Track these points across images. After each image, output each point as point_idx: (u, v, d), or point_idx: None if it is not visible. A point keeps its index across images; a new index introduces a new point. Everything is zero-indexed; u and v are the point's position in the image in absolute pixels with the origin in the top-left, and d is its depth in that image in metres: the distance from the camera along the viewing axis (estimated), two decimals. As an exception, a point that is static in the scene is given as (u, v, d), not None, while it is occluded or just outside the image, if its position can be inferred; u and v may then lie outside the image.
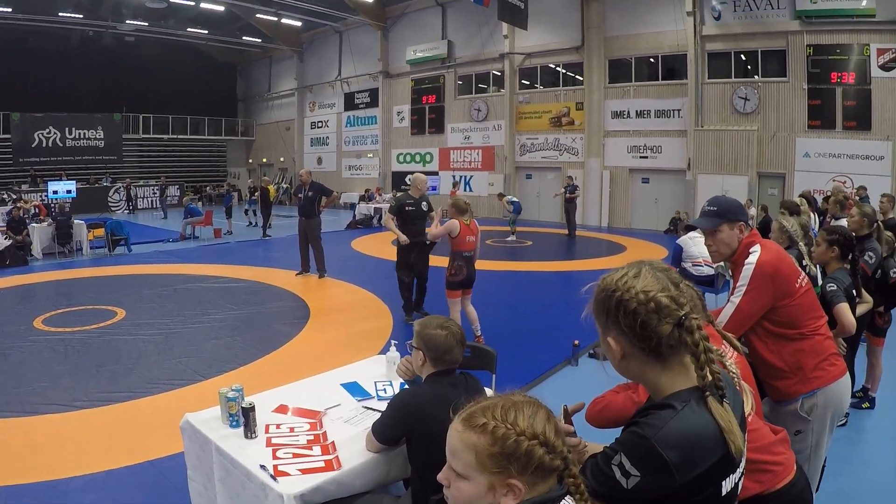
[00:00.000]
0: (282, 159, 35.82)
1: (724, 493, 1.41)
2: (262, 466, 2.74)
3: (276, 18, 28.99)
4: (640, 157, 21.37)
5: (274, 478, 2.66)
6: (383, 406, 2.96)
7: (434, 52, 27.01)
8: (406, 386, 3.08)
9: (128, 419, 5.32)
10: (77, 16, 27.88)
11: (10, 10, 26.01)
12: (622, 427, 1.48)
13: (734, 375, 1.61)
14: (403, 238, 8.03)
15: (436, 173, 27.02)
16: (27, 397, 5.87)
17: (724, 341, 1.87)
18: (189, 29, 30.87)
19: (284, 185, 33.12)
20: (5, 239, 14.14)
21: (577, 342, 6.93)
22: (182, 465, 3.41)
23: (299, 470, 2.74)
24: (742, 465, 1.48)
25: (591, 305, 1.55)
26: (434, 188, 25.88)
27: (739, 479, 1.47)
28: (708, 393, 1.40)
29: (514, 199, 18.36)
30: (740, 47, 19.19)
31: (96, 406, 5.60)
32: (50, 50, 30.60)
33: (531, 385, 6.17)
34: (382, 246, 12.05)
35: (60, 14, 27.26)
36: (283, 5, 27.21)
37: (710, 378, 1.41)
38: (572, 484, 1.28)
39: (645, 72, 21.28)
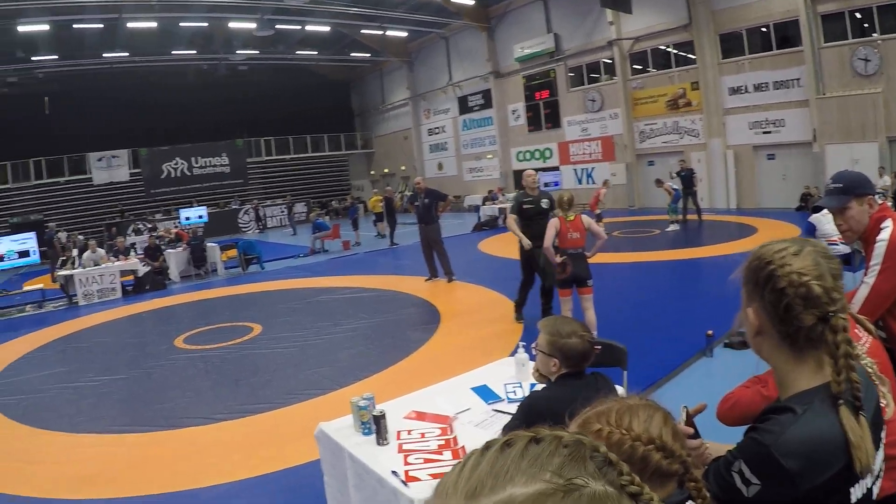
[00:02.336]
0: (403, 168, 36.60)
1: (853, 499, 1.30)
2: (394, 472, 2.79)
3: (381, 32, 29.78)
4: (763, 133, 20.17)
5: (405, 483, 2.69)
6: (513, 409, 2.92)
7: (541, 47, 26.73)
8: (536, 388, 3.02)
9: (266, 429, 5.59)
10: (190, 52, 29.89)
11: (127, 54, 28.41)
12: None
13: (870, 370, 1.46)
14: (526, 242, 7.85)
15: (556, 168, 26.75)
16: (171, 412, 6.32)
17: (857, 325, 1.71)
18: (298, 52, 32.35)
19: (408, 193, 33.78)
20: (144, 266, 15.16)
21: (710, 332, 6.60)
22: (318, 472, 3.55)
23: (430, 475, 2.76)
24: (878, 469, 1.35)
25: (742, 270, 1.46)
26: (556, 183, 25.64)
27: (874, 483, 1.35)
28: (842, 402, 1.27)
29: (676, 185, 17.70)
30: (854, 5, 17.71)
31: (236, 418, 5.92)
32: (169, 86, 33.00)
33: (665, 380, 5.94)
34: (509, 246, 12.00)
35: (174, 52, 29.33)
36: (387, 18, 27.89)
37: (846, 386, 1.28)
38: (693, 489, 1.20)
39: (758, 43, 20.09)
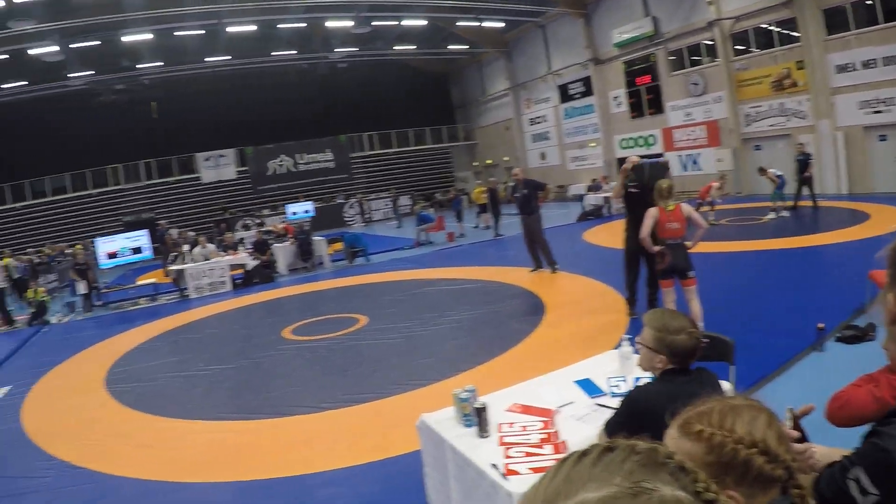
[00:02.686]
0: (506, 158, 36.44)
1: None
2: (494, 465, 2.76)
3: (477, 24, 29.65)
4: (874, 113, 18.83)
5: (505, 476, 2.66)
6: (616, 403, 2.85)
7: (640, 31, 25.93)
8: (640, 382, 2.94)
9: (370, 419, 5.70)
10: (290, 52, 30.86)
11: (229, 57, 29.63)
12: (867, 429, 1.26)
13: None
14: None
15: (660, 155, 25.95)
16: (278, 401, 6.54)
17: None
18: (396, 47, 32.76)
19: (511, 184, 33.55)
20: (252, 260, 15.73)
21: (822, 325, 6.18)
22: (420, 463, 3.57)
23: (530, 469, 2.72)
24: None
25: (888, 251, 1.34)
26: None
27: None
28: None
29: (780, 172, 16.90)
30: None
31: (342, 407, 6.06)
32: (271, 86, 34.31)
33: (772, 376, 5.60)
34: (615, 236, 11.77)
35: (273, 53, 30.30)
36: (482, 9, 27.78)
37: None
38: (797, 496, 1.11)
39: (864, 16, 18.73)
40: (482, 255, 15.33)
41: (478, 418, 3.11)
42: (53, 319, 15.17)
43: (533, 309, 9.21)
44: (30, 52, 25.02)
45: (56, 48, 24.76)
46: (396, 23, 28.25)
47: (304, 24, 27.40)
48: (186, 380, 8.02)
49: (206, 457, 5.49)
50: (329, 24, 27.11)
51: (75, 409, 7.64)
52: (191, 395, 7.37)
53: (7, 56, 25.29)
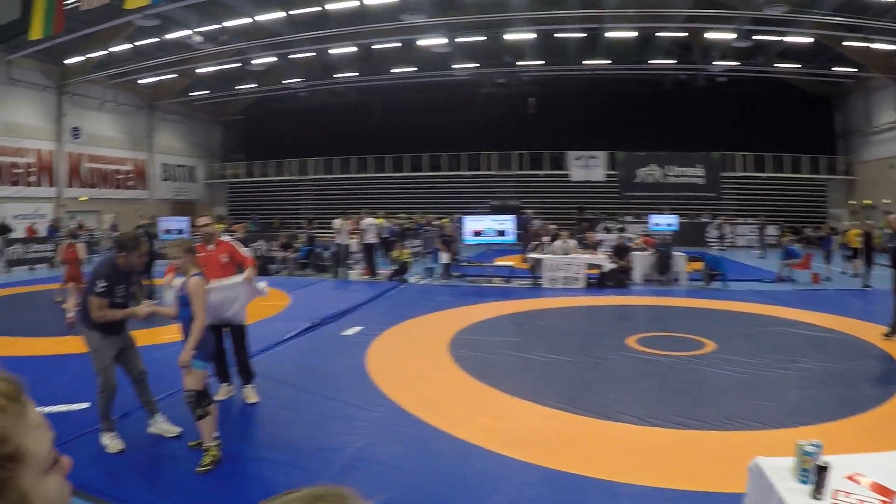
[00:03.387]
0: (886, 201, 31.38)
1: None
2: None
3: (865, 45, 26.12)
4: None
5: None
6: None
7: None
8: None
9: (695, 446, 5.53)
10: (668, 62, 30.31)
11: (607, 62, 30.33)
12: None
13: None
14: None
15: None
16: (608, 404, 6.65)
17: None
18: (777, 64, 30.21)
19: (887, 231, 29.21)
20: (610, 263, 15.97)
21: None
22: (735, 504, 3.41)
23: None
24: None
25: None
26: None
27: None
28: None
29: None
30: None
31: (668, 427, 5.96)
32: (644, 93, 34.31)
33: None
34: None
35: (651, 62, 29.99)
36: (872, 29, 24.38)
37: None
38: None
39: None
40: (845, 305, 13.66)
41: (817, 477, 2.89)
42: (412, 279, 17.22)
43: (889, 375, 8.16)
44: (419, 42, 28.25)
45: (444, 41, 27.51)
46: (779, 38, 26.24)
47: (685, 34, 26.86)
48: (524, 361, 8.54)
49: (523, 435, 5.82)
50: (709, 35, 26.21)
51: (416, 361, 8.65)
52: (525, 376, 7.84)
53: (399, 45, 28.84)
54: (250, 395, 6.99)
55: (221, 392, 7.01)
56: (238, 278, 6.83)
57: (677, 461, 5.20)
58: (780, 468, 3.18)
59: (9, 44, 22.99)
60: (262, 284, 7.11)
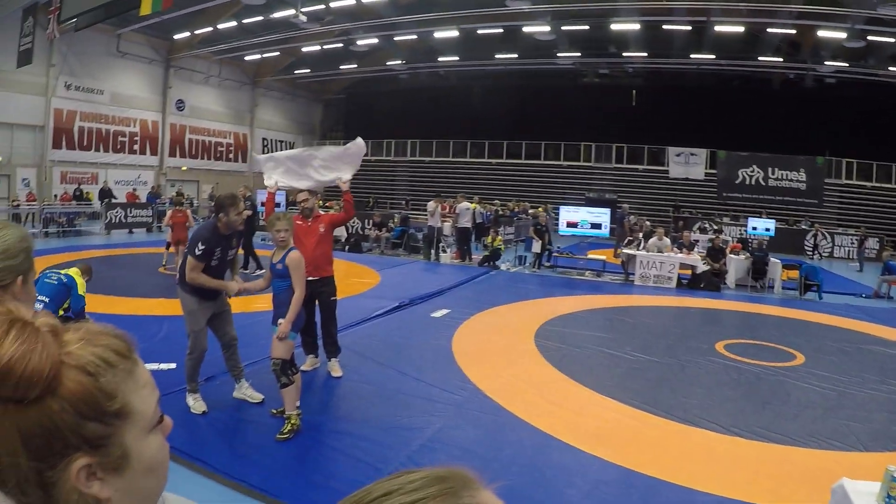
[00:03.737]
0: None
1: None
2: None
3: None
4: None
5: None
6: None
7: None
8: None
9: (775, 461, 5.49)
10: (776, 59, 28.94)
11: (713, 56, 29.08)
12: None
13: None
14: None
15: None
16: (690, 408, 6.66)
17: None
18: (890, 68, 28.45)
19: None
20: (704, 264, 15.73)
21: None
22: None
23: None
24: None
25: None
26: None
27: None
28: None
29: None
30: None
31: (750, 438, 5.92)
32: (753, 91, 32.78)
33: None
34: None
35: (760, 58, 28.80)
36: None
37: None
38: None
39: None
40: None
41: (902, 504, 2.97)
42: (503, 266, 17.38)
43: None
44: (524, 29, 28.04)
45: (547, 28, 27.28)
46: (893, 39, 24.91)
47: (794, 31, 25.82)
48: (610, 357, 8.60)
49: (603, 432, 5.91)
50: (820, 33, 25.00)
51: (501, 348, 8.83)
52: (610, 373, 7.91)
53: (502, 31, 28.74)
54: (335, 368, 7.27)
55: (307, 363, 7.32)
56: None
57: (758, 475, 5.18)
58: (865, 492, 3.19)
59: (119, 18, 24.16)
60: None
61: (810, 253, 27.39)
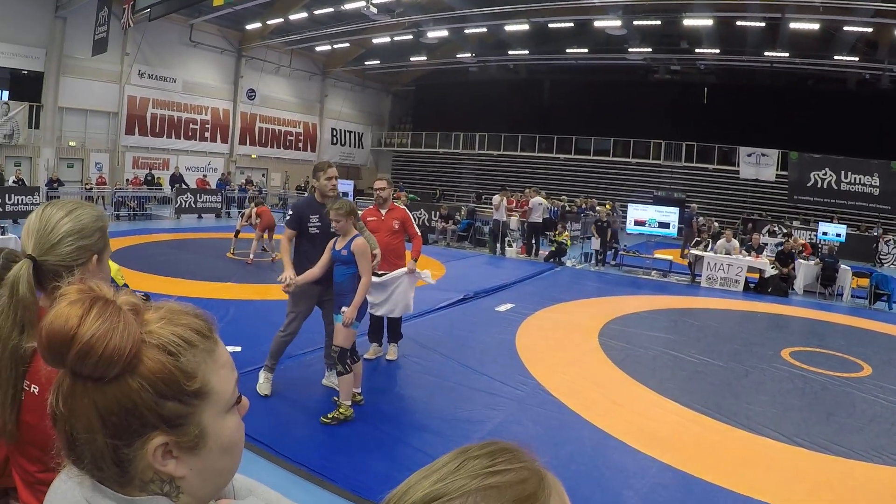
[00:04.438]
0: None
1: None
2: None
3: None
4: None
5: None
6: None
7: None
8: None
9: (837, 475, 5.43)
10: (852, 58, 27.90)
11: (787, 54, 28.31)
12: None
13: None
14: None
15: None
16: (753, 415, 6.63)
17: None
18: None
19: None
20: (772, 268, 15.48)
21: None
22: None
23: None
24: None
25: None
26: None
27: None
28: None
29: None
30: None
31: (813, 450, 5.87)
32: (827, 91, 31.65)
33: None
34: None
35: (835, 57, 27.80)
36: None
37: None
38: None
39: None
40: None
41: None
42: (568, 262, 17.39)
43: None
44: (595, 23, 27.80)
45: (619, 23, 26.95)
46: None
47: (871, 30, 24.92)
48: (674, 360, 8.59)
49: (663, 434, 5.93)
50: None
51: (564, 345, 8.94)
52: (673, 375, 7.92)
53: (573, 24, 28.54)
54: (392, 352, 7.47)
55: (370, 351, 7.48)
56: (401, 271, 7.01)
57: (819, 487, 5.15)
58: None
59: (192, 8, 24.89)
60: (426, 272, 7.39)
61: (885, 260, 26.44)
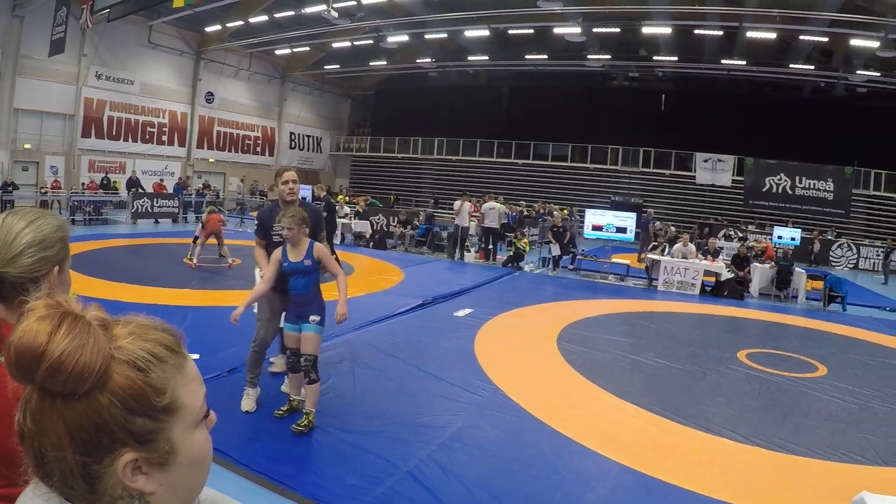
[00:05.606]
0: None
1: None
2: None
3: None
4: None
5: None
6: None
7: None
8: None
9: (794, 473, 5.48)
10: (807, 67, 28.68)
11: (744, 62, 29.07)
12: None
13: None
14: None
15: None
16: (711, 416, 6.67)
17: None
18: None
19: None
20: (728, 272, 15.68)
21: None
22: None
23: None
24: None
25: None
26: None
27: None
28: None
29: None
30: None
31: (769, 449, 5.91)
32: (783, 99, 32.65)
33: None
34: None
35: (791, 66, 28.57)
36: None
37: None
38: None
39: None
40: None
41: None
42: (526, 267, 17.44)
43: None
44: (555, 30, 28.17)
45: (578, 30, 27.29)
46: None
47: (826, 39, 25.53)
48: (632, 363, 8.60)
49: (623, 437, 5.92)
50: (853, 42, 24.61)
51: (523, 349, 8.89)
52: (631, 378, 7.93)
53: (533, 31, 28.90)
54: (279, 364, 6.89)
55: (278, 364, 6.94)
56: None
57: (776, 486, 5.18)
58: (883, 506, 3.21)
59: (151, 10, 24.54)
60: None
61: (836, 264, 26.97)
